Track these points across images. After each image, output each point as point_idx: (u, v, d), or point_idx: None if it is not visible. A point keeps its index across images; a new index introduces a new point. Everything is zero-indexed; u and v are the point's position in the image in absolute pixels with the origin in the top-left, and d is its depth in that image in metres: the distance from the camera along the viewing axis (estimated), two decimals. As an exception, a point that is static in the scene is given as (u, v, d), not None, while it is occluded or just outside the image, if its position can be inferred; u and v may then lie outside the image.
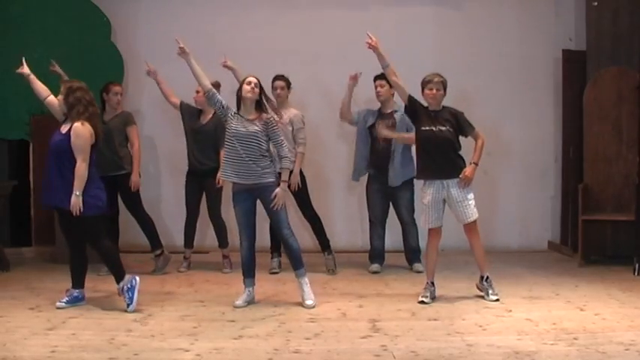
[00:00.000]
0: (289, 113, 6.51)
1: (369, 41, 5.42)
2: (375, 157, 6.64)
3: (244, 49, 7.59)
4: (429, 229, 5.53)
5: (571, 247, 7.42)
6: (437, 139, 5.45)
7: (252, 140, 5.27)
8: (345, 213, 7.70)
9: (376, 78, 6.62)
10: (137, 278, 5.27)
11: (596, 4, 7.32)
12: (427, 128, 5.47)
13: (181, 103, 6.79)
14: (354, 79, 6.55)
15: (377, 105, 6.72)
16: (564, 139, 7.74)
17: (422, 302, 5.39)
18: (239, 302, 5.36)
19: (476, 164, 5.44)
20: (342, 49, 7.67)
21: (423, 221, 5.57)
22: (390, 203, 6.78)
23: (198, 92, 6.55)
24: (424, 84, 5.51)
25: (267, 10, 7.79)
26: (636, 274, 6.40)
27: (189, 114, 6.78)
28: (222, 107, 5.39)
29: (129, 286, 5.21)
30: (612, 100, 7.15)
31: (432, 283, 5.53)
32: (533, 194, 7.88)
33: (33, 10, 7.30)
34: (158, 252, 6.68)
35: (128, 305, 5.15)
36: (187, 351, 4.21)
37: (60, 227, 5.66)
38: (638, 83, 6.95)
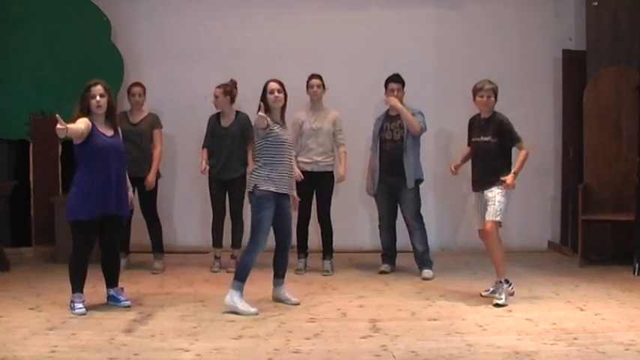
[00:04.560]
0: (331, 114, 6.57)
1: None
2: (383, 158, 6.49)
3: (244, 49, 7.61)
4: (478, 230, 5.62)
5: (571, 247, 7.41)
6: (478, 150, 5.56)
7: (291, 146, 5.31)
8: (347, 213, 7.68)
9: (389, 81, 6.49)
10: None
11: (596, 4, 7.32)
12: (474, 139, 5.59)
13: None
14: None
15: (384, 109, 6.66)
16: (564, 139, 7.74)
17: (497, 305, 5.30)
18: (255, 309, 5.10)
19: (516, 173, 5.41)
20: (343, 49, 7.68)
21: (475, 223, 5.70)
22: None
23: (217, 97, 6.61)
24: (475, 91, 5.54)
25: (267, 11, 7.79)
26: (636, 274, 6.40)
27: (210, 123, 6.73)
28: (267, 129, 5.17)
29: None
30: (612, 100, 7.16)
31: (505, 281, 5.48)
32: (533, 194, 7.87)
33: (33, 10, 7.30)
34: (160, 256, 6.75)
35: (124, 301, 5.26)
36: (187, 351, 4.20)
37: (94, 235, 5.14)
38: (638, 83, 6.95)
